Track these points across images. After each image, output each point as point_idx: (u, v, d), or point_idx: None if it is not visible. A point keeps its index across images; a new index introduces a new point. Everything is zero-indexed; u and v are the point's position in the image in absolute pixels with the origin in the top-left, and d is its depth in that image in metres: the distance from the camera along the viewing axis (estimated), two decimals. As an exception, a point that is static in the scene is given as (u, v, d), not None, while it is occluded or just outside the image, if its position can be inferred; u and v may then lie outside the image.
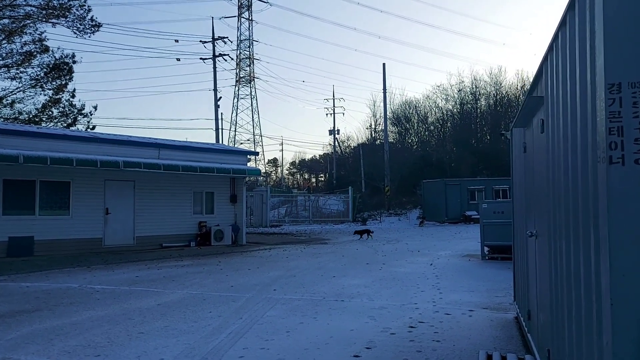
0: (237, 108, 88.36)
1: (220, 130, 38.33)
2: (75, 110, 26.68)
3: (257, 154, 21.44)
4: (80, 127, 26.36)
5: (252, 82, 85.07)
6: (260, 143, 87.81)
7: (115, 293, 9.76)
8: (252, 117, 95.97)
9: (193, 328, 6.91)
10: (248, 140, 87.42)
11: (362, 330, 6.69)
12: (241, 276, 11.79)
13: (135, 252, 17.23)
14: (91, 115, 27.30)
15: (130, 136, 19.78)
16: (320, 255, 16.40)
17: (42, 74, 25.44)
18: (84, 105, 27.44)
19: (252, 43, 77.16)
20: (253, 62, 78.71)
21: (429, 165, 46.00)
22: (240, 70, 79.77)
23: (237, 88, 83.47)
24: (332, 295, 9.19)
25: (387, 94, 41.29)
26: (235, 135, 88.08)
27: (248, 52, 77.50)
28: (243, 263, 14.49)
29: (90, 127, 27.09)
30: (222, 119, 40.22)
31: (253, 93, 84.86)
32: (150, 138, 19.87)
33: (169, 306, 8.42)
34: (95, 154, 16.50)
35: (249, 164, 21.04)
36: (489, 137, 53.93)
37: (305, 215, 36.77)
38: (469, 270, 12.48)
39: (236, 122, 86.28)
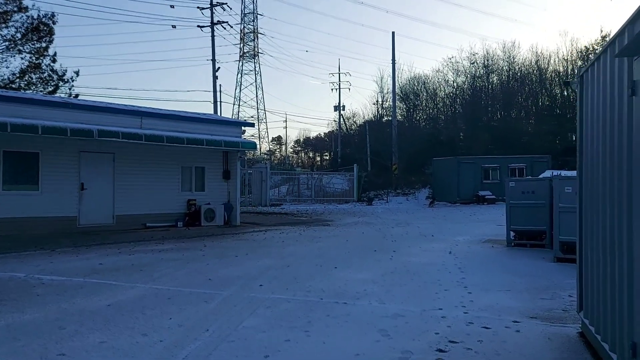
0: (241, 84, 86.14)
1: (219, 103, 36.27)
2: (56, 77, 24.60)
3: (252, 125, 19.45)
4: (61, 95, 24.30)
5: (256, 58, 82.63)
6: (264, 120, 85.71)
7: (63, 287, 7.84)
8: (256, 94, 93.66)
9: (137, 347, 4.97)
10: (252, 117, 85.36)
11: (371, 356, 4.74)
12: (225, 265, 9.85)
13: (113, 233, 15.34)
14: (73, 81, 25.27)
15: (109, 103, 17.75)
16: (321, 239, 14.45)
17: (19, 36, 23.27)
18: (66, 71, 25.40)
19: (257, 17, 74.61)
20: (257, 36, 76.18)
21: (438, 143, 43.80)
22: (244, 45, 77.38)
23: (240, 63, 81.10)
24: (332, 295, 7.23)
25: (395, 66, 38.95)
26: (239, 111, 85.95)
27: (252, 27, 75.04)
28: (231, 248, 12.55)
29: (73, 95, 24.99)
30: (220, 91, 38.10)
31: (257, 69, 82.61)
32: (131, 105, 17.83)
33: (121, 308, 6.49)
34: (67, 121, 14.49)
35: (243, 137, 18.97)
36: (501, 114, 51.63)
37: (308, 195, 34.79)
38: (497, 261, 10.49)
39: (240, 99, 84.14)
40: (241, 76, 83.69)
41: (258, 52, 77.99)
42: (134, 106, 17.40)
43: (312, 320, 5.90)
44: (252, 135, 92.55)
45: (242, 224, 18.95)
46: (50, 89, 24.69)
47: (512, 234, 12.82)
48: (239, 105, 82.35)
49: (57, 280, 8.39)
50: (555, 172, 15.62)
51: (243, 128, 19.22)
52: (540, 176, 15.33)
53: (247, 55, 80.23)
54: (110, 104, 17.55)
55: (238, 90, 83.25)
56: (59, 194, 15.25)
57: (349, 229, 17.55)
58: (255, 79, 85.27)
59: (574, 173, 13.35)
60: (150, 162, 17.13)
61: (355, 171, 34.37)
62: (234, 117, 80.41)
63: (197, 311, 6.33)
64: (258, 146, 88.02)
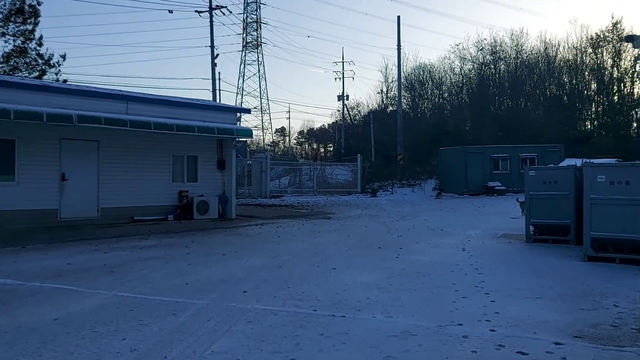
0: (244, 75, 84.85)
1: (218, 92, 35.00)
2: (42, 61, 23.31)
3: (248, 111, 18.25)
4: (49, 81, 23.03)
5: (259, 48, 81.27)
6: (268, 111, 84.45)
7: (13, 294, 6.67)
8: (259, 84, 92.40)
9: (67, 383, 3.78)
10: (255, 107, 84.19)
11: (375, 399, 3.54)
12: (209, 265, 8.66)
13: (97, 227, 14.17)
14: (59, 65, 23.96)
15: (92, 87, 16.52)
16: (321, 234, 13.24)
17: (1, 17, 21.94)
18: (52, 55, 24.08)
19: (260, 6, 73.23)
20: (260, 26, 74.83)
21: (444, 132, 42.42)
22: (247, 35, 76.11)
23: (243, 54, 79.82)
24: (328, 305, 6.02)
25: (400, 52, 37.55)
26: (242, 102, 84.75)
27: (255, 16, 73.71)
28: (221, 244, 11.36)
29: (61, 81, 23.70)
30: (220, 79, 36.82)
31: (260, 59, 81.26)
32: (116, 90, 16.60)
33: (69, 323, 5.30)
34: (45, 105, 13.28)
35: (244, 124, 17.70)
36: (509, 103, 50.18)
37: (310, 186, 33.53)
38: (518, 259, 9.26)
39: (243, 89, 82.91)
40: (244, 67, 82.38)
41: (261, 42, 76.61)
42: (119, 90, 16.16)
43: (301, 342, 4.69)
44: (256, 127, 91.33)
45: (238, 217, 17.75)
46: (36, 74, 23.48)
47: (531, 228, 11.59)
48: (242, 95, 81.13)
49: (10, 285, 7.21)
50: (574, 161, 14.35)
51: (239, 114, 17.95)
52: (562, 164, 14.06)
53: (250, 45, 78.90)
54: (94, 87, 16.31)
55: (241, 80, 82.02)
56: (38, 185, 14.06)
57: (352, 222, 16.34)
58: (259, 69, 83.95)
59: (608, 160, 12.12)
60: (138, 150, 15.92)
61: (359, 161, 33.08)
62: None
63: (161, 328, 5.13)
64: (262, 137, 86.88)
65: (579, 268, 8.42)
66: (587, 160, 11.43)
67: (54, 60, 24.18)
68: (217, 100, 34.42)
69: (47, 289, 6.95)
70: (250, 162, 30.71)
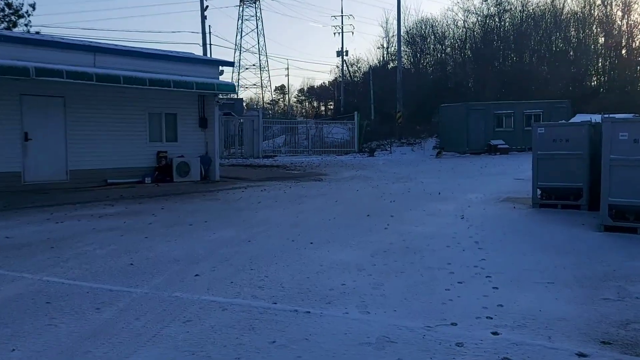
0: (242, 31, 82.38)
1: (208, 46, 33.33)
2: (11, 11, 21.67)
3: (231, 64, 16.84)
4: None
5: (257, 3, 78.61)
6: (267, 68, 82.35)
7: None
8: (258, 40, 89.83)
9: None
10: (254, 65, 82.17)
11: None
12: (167, 239, 7.52)
13: (64, 192, 13.03)
14: (29, 15, 22.27)
15: (55, 37, 15.07)
16: (307, 199, 12.08)
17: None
18: (22, 4, 22.38)
19: (256, -43, 70.49)
20: (258, -22, 72.24)
21: (446, 89, 40.84)
22: (244, -11, 73.68)
23: (241, 9, 77.29)
24: (293, 295, 4.89)
25: (400, 6, 35.61)
26: (240, 59, 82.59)
27: (252, -32, 71.12)
28: (192, 212, 10.22)
29: (32, 32, 22.06)
30: (210, 32, 35.06)
31: (258, 14, 78.74)
32: (83, 40, 15.16)
33: (-39, 323, 4.19)
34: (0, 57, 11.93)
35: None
36: (513, 58, 48.28)
37: (306, 145, 32.26)
38: (524, 230, 8.11)
39: (240, 46, 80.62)
40: (242, 22, 79.90)
41: (259, -4, 74.16)
42: (85, 41, 14.71)
43: (242, 355, 3.56)
44: (255, 84, 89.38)
45: (222, 179, 16.58)
46: (4, 25, 21.85)
47: (538, 191, 10.41)
48: (240, 52, 78.94)
49: None
50: (588, 117, 13.05)
51: (221, 68, 16.56)
52: (574, 120, 12.78)
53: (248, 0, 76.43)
54: (57, 37, 14.87)
55: (239, 37, 79.72)
56: (-3, 145, 12.86)
57: (343, 185, 15.16)
58: (257, 25, 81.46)
59: (627, 116, 10.82)
60: (110, 107, 14.62)
61: (356, 119, 31.69)
62: (235, 65, 77.31)
63: (72, 331, 4.01)
64: (261, 95, 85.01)
65: (594, 240, 7.27)
66: (607, 115, 10.15)
67: (23, 10, 22.51)
68: (209, 56, 32.77)
69: (-36, 271, 5.83)
70: (242, 120, 29.33)
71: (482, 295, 4.87)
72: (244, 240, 7.39)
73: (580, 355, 3.56)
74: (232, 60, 16.94)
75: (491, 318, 4.26)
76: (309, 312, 4.40)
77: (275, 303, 4.64)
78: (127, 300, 4.76)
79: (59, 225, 8.67)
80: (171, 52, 16.36)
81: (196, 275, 5.56)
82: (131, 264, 6.05)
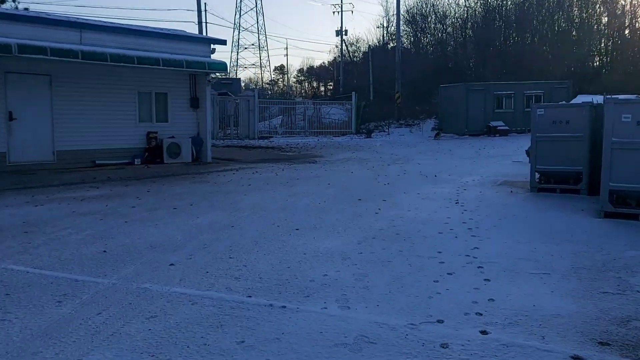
0: (241, 9, 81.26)
1: (204, 24, 32.69)
2: (-3, -14, 21.16)
3: (224, 42, 16.32)
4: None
5: (256, -20, 77.53)
6: (266, 47, 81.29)
7: None
8: (257, 19, 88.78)
9: None
10: (253, 44, 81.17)
11: None
12: (147, 224, 7.19)
13: (51, 172, 12.68)
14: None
15: (40, 12, 14.57)
16: (299, 182, 11.74)
17: None
18: (11, -23, 21.80)
19: None
20: (255, -46, 71.24)
21: (446, 69, 40.23)
22: (243, -34, 72.55)
23: (240, -14, 76.22)
24: (270, 287, 4.57)
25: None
26: (239, 38, 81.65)
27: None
28: (179, 195, 9.88)
29: (21, 9, 21.44)
30: (205, 10, 34.35)
31: (257, -8, 77.69)
32: (69, 16, 14.65)
33: None
34: (-20, 34, 11.50)
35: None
36: (514, 38, 47.52)
37: (303, 126, 31.77)
38: (520, 215, 7.77)
39: (240, 25, 79.63)
40: (241, 0, 78.81)
41: (257, -27, 73.11)
42: (72, 17, 14.22)
43: (206, 357, 3.25)
44: (254, 64, 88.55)
45: (214, 161, 16.23)
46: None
47: (536, 175, 10.06)
48: (239, 31, 78.05)
49: None
50: (590, 98, 12.64)
51: (213, 46, 16.07)
52: (575, 101, 12.38)
53: (247, -23, 75.35)
54: (42, 13, 14.37)
55: (238, 15, 78.83)
56: (-20, 125, 12.48)
57: (337, 167, 14.81)
58: (256, 3, 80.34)
59: (630, 97, 10.43)
60: (98, 86, 14.19)
61: (354, 100, 31.17)
62: (234, 44, 76.09)
63: (25, 327, 3.70)
64: (260, 75, 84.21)
65: (594, 227, 6.95)
66: (609, 95, 9.74)
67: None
68: (204, 34, 32.14)
69: None
70: (238, 100, 28.83)
71: (473, 288, 4.55)
72: (227, 225, 7.06)
73: (576, 358, 3.25)
74: (224, 39, 16.38)
75: (481, 314, 3.95)
76: (285, 306, 4.09)
77: (250, 296, 4.33)
78: (92, 292, 4.45)
79: (37, 208, 8.34)
80: (162, 29, 15.86)
81: (171, 264, 5.24)
82: (104, 251, 5.73)
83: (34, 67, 12.90)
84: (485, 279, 4.78)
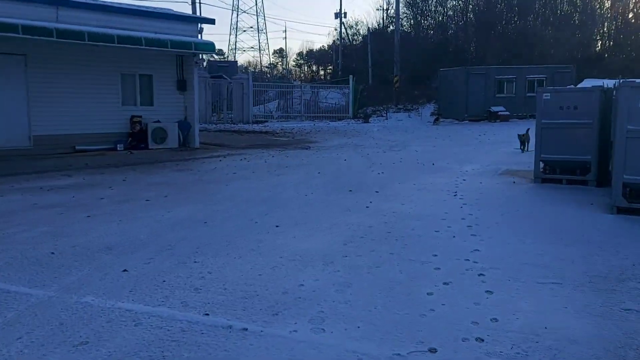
0: (238, -10, 79.90)
1: (198, 4, 31.71)
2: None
3: (212, 21, 15.54)
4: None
5: (253, -39, 76.23)
6: (265, 30, 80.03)
7: None
8: (256, 1, 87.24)
9: None
10: (251, 27, 79.84)
11: None
12: (111, 219, 6.48)
13: (25, 159, 11.97)
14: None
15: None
16: (287, 170, 11.03)
17: None
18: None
19: None
20: None
21: (446, 53, 39.29)
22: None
23: (237, -33, 74.94)
24: (234, 301, 3.87)
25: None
26: (237, 20, 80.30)
27: None
28: (154, 185, 9.17)
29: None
30: (199, -10, 33.22)
31: (254, -28, 76.49)
32: (45, -8, 13.81)
33: None
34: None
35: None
36: (517, 22, 46.48)
37: (299, 111, 30.97)
38: (524, 210, 7.07)
39: (238, 7, 78.39)
40: (238, -19, 77.54)
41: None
42: (47, -7, 13.38)
43: (134, 404, 2.57)
44: (253, 47, 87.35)
45: (202, 146, 15.51)
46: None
47: (541, 165, 9.35)
48: (237, 13, 76.85)
49: None
50: (600, 82, 11.89)
51: (201, 26, 15.29)
52: (582, 85, 11.62)
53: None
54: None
55: (236, -4, 77.51)
56: (-50, 108, 11.73)
57: (331, 154, 14.09)
58: (254, -16, 79.02)
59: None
60: (77, 67, 13.44)
61: (351, 84, 30.33)
62: (233, 27, 74.66)
63: None
64: (259, 59, 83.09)
65: (606, 225, 6.25)
66: (623, 79, 8.99)
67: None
68: (198, 14, 31.17)
69: None
70: (232, 82, 28.00)
71: (473, 302, 3.86)
72: (200, 221, 6.36)
73: (603, 407, 2.57)
74: (213, 18, 15.63)
75: (482, 340, 3.27)
76: (246, 329, 3.39)
77: (208, 314, 3.63)
78: (22, 307, 3.75)
79: (-3, 200, 7.64)
80: (146, 7, 15.06)
81: (124, 270, 4.54)
82: (52, 253, 5.03)
83: (6, 46, 12.12)
84: (487, 291, 4.09)
